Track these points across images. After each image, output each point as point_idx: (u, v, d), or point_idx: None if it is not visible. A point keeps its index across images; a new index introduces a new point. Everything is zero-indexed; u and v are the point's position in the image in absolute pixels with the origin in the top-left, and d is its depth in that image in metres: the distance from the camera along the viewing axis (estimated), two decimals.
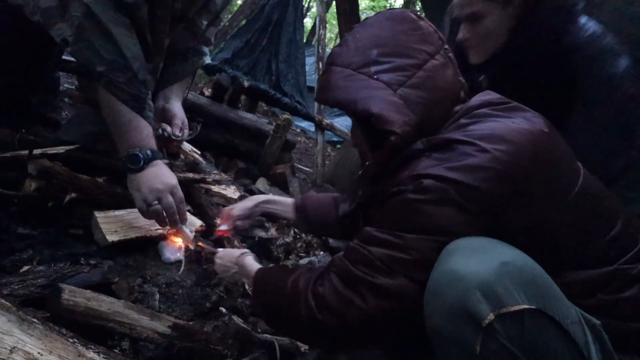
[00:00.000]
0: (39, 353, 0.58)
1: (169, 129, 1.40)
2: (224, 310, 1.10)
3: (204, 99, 2.29)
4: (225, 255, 1.06)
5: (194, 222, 1.38)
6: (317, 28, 3.78)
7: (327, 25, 4.42)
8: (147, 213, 1.10)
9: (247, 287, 1.14)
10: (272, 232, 1.86)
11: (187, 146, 1.55)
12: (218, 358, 0.85)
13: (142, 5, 1.16)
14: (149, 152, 1.10)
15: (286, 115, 2.28)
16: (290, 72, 3.81)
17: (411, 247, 0.70)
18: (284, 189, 2.28)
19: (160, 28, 1.34)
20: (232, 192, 1.85)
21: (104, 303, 0.72)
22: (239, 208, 1.22)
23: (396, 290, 0.70)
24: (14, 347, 0.57)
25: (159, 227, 1.23)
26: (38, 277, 0.76)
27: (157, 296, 1.05)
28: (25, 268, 0.91)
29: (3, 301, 0.59)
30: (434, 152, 0.75)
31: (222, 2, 1.65)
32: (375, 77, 0.79)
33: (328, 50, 3.82)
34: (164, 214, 1.10)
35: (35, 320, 0.60)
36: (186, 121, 1.49)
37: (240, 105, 2.38)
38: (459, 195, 0.68)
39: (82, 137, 1.36)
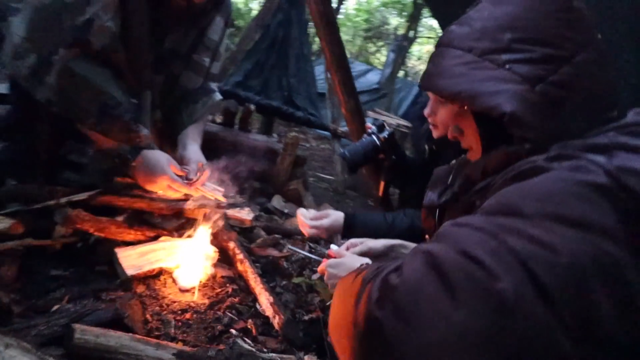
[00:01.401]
0: None
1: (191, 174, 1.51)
2: (234, 332, 1.19)
3: (215, 126, 2.42)
4: (342, 264, 1.02)
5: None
6: None
7: None
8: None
9: None
10: (288, 247, 1.95)
11: (209, 186, 1.65)
12: None
13: (117, 49, 1.27)
14: (130, 152, 1.34)
15: (294, 134, 2.37)
16: (302, 85, 3.91)
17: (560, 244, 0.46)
18: (299, 204, 2.37)
19: (142, 64, 1.44)
20: (246, 213, 1.96)
21: (112, 338, 0.83)
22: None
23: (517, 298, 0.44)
24: None
25: (174, 258, 1.38)
26: (61, 318, 0.89)
27: (173, 323, 1.16)
28: (56, 307, 1.05)
29: (25, 344, 0.71)
30: (584, 152, 0.55)
31: (219, 37, 1.76)
32: (507, 67, 0.64)
33: None
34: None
35: (51, 357, 0.71)
36: (204, 161, 1.58)
37: (250, 128, 2.50)
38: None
39: (99, 178, 1.52)
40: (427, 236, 0.98)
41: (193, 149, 1.60)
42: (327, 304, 1.46)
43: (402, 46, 6.05)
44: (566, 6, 0.65)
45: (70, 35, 1.17)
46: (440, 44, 0.74)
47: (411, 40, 8.22)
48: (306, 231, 1.50)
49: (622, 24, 1.57)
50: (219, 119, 2.51)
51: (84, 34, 1.17)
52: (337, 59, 1.68)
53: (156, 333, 1.10)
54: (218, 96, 1.78)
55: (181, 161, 1.56)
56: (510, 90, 0.62)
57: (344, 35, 20.66)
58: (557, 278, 0.43)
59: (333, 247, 1.20)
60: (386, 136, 1.50)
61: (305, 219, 1.48)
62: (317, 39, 3.94)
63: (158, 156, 1.39)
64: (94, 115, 1.22)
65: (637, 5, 1.53)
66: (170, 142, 1.73)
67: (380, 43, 18.73)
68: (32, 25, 1.19)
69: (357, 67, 8.56)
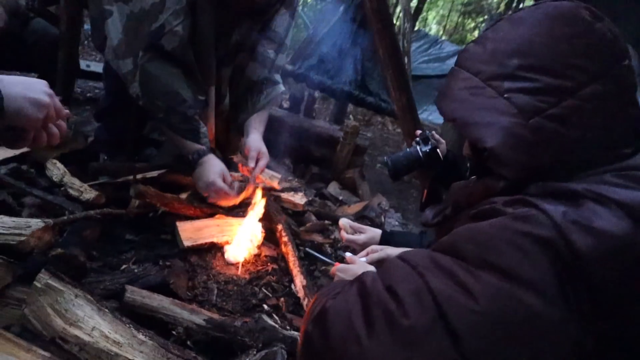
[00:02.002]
0: (108, 332, 0.88)
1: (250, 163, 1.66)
2: (265, 307, 1.33)
3: (281, 111, 2.56)
4: (349, 270, 1.05)
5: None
6: (401, 21, 3.75)
7: None
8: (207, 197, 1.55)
9: None
10: (336, 234, 2.04)
11: (267, 173, 1.80)
12: (244, 347, 1.07)
13: (187, 49, 1.43)
14: (194, 155, 1.50)
15: (354, 123, 2.41)
16: (377, 69, 3.85)
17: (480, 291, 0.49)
18: (354, 192, 2.43)
19: (207, 60, 1.57)
20: (299, 198, 2.09)
21: (155, 300, 1.00)
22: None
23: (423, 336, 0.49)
24: (94, 327, 0.88)
25: (225, 234, 1.56)
26: (122, 277, 1.10)
27: (215, 291, 1.34)
28: (124, 266, 1.28)
29: (89, 296, 0.91)
30: (551, 198, 0.55)
31: (285, 29, 1.84)
32: (505, 95, 0.62)
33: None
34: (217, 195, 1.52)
35: (107, 310, 0.91)
36: (264, 150, 1.68)
37: (314, 114, 2.59)
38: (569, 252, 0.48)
39: (171, 161, 1.75)
40: None
41: (254, 138, 1.71)
42: None
43: None
44: (586, 31, 0.60)
45: (147, 40, 1.36)
46: (456, 63, 0.74)
47: None
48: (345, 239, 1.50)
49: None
50: (285, 104, 2.64)
51: (158, 39, 1.35)
52: (390, 54, 1.66)
53: (200, 298, 1.29)
54: (281, 88, 1.88)
55: (243, 147, 1.72)
56: (500, 123, 0.61)
57: (440, 11, 19.44)
58: (468, 323, 0.46)
59: (348, 254, 1.25)
60: (427, 151, 1.48)
61: (345, 231, 1.50)
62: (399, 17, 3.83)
63: (212, 166, 1.54)
64: (163, 110, 1.41)
65: None
66: (236, 129, 1.89)
67: (480, 19, 17.27)
68: (126, 31, 1.41)
69: (445, 47, 8.09)
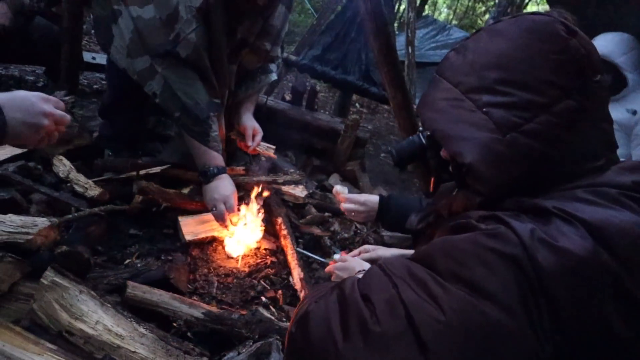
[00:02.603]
0: (111, 325, 0.94)
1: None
2: (264, 299, 1.39)
3: (283, 104, 2.58)
4: (346, 268, 1.10)
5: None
6: (406, 11, 3.72)
7: None
8: (212, 214, 1.54)
9: None
10: (336, 226, 2.09)
11: (262, 146, 1.93)
12: (241, 339, 1.12)
13: (201, 55, 1.47)
14: (214, 169, 1.52)
15: (354, 116, 2.42)
16: None
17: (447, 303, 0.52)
18: (355, 184, 2.46)
19: (221, 65, 1.63)
20: (299, 191, 2.12)
21: (155, 295, 1.06)
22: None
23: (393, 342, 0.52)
24: (97, 321, 0.93)
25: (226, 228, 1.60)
26: (125, 272, 1.15)
27: (215, 284, 1.39)
28: (128, 261, 1.34)
29: (92, 292, 0.96)
30: (523, 214, 0.58)
31: (281, 22, 1.86)
32: (484, 110, 0.63)
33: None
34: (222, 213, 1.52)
35: (109, 305, 0.96)
36: (257, 127, 1.84)
37: (317, 107, 2.61)
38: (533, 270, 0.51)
39: (177, 158, 1.80)
40: None
41: (247, 117, 1.86)
42: None
43: (505, 13, 5.42)
44: (561, 47, 0.60)
45: (164, 47, 1.41)
46: (437, 72, 0.73)
47: (518, 6, 7.28)
48: (343, 207, 1.51)
49: None
50: (288, 96, 2.66)
51: (173, 46, 1.40)
52: (385, 54, 1.67)
53: (200, 291, 1.34)
54: (274, 76, 1.93)
55: (238, 127, 1.86)
56: (478, 138, 0.62)
57: None
58: (435, 333, 0.49)
59: (336, 256, 1.29)
60: (429, 134, 1.49)
61: (343, 194, 1.51)
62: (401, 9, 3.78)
63: (229, 184, 1.58)
64: (178, 110, 1.46)
65: None
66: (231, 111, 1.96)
67: (491, 2, 16.87)
68: (139, 32, 1.44)
69: (454, 34, 7.94)
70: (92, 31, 5.08)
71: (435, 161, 1.68)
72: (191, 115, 1.46)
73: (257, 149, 1.90)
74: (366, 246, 1.29)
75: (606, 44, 1.92)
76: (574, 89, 0.60)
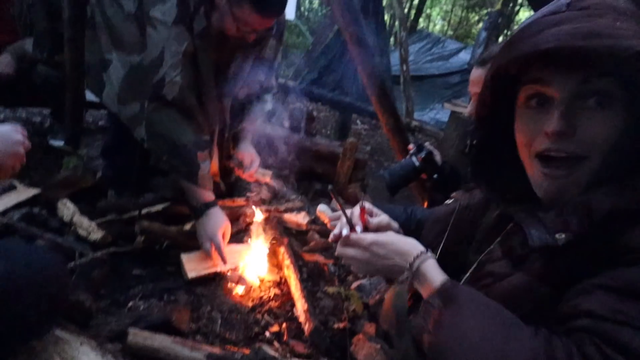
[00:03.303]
0: None
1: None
2: (268, 334, 1.38)
3: (282, 130, 2.62)
4: (387, 243, 0.84)
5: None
6: (398, 30, 3.78)
7: None
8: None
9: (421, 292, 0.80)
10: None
11: (259, 172, 2.00)
12: None
13: (187, 96, 1.50)
14: (202, 206, 1.54)
15: (352, 139, 2.45)
16: (377, 78, 3.88)
17: None
18: None
19: (211, 102, 1.67)
20: (302, 217, 2.13)
21: (156, 341, 1.06)
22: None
23: None
24: None
25: (229, 262, 1.61)
26: (127, 318, 1.16)
27: (219, 322, 1.39)
28: (131, 303, 1.35)
29: (93, 342, 0.97)
30: None
31: (273, 54, 1.91)
32: None
33: None
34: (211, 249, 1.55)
35: (110, 354, 0.97)
36: (254, 154, 1.93)
37: (315, 131, 2.64)
38: None
39: (173, 192, 1.83)
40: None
41: (245, 145, 1.96)
42: (358, 314, 1.57)
43: (496, 24, 5.49)
44: None
45: (150, 91, 1.45)
46: None
47: (508, 17, 7.35)
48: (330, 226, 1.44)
49: None
50: (286, 123, 2.70)
51: (159, 90, 1.44)
52: (373, 80, 1.70)
53: (204, 330, 1.34)
54: (269, 106, 1.97)
55: (236, 155, 1.94)
56: None
57: (444, 6, 19.29)
58: None
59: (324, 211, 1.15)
60: (423, 156, 1.50)
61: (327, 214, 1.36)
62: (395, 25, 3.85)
63: (218, 219, 1.58)
64: (167, 152, 1.49)
65: None
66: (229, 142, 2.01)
67: (484, 11, 17.09)
68: (128, 80, 1.50)
69: (448, 45, 8.04)
70: None
71: (430, 183, 1.68)
72: (179, 156, 1.49)
73: (254, 175, 1.97)
74: (369, 205, 1.02)
75: None
76: None
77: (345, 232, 0.87)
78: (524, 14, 13.84)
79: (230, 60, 1.76)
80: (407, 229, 1.16)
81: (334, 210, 1.35)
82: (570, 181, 0.68)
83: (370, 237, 0.85)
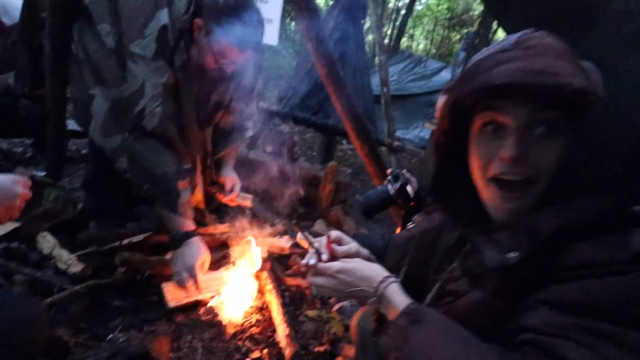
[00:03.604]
0: None
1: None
2: None
3: (265, 156, 2.66)
4: (353, 270, 0.87)
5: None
6: (377, 55, 3.90)
7: None
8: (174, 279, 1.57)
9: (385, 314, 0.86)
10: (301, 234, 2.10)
11: (240, 196, 2.04)
12: None
13: (167, 127, 1.54)
14: (182, 235, 1.56)
15: (332, 163, 2.50)
16: (359, 100, 3.98)
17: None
18: (339, 228, 2.50)
19: (192, 131, 1.71)
20: (284, 241, 2.16)
21: None
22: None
23: None
24: None
25: (210, 290, 1.63)
26: (104, 351, 1.17)
27: (200, 350, 1.40)
28: (110, 336, 1.35)
29: None
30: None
31: (253, 81, 1.96)
32: None
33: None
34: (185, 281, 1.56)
35: None
36: (235, 178, 1.98)
37: (297, 156, 2.69)
38: None
39: (155, 222, 1.85)
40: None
41: (226, 170, 2.01)
42: (340, 337, 1.59)
43: (474, 44, 5.69)
44: None
45: (130, 122, 1.49)
46: None
47: (484, 38, 7.64)
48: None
49: None
50: (269, 149, 2.75)
51: (139, 121, 1.48)
52: (348, 111, 1.77)
53: (184, 359, 1.35)
54: (249, 133, 2.02)
55: (218, 180, 1.99)
56: None
57: (426, 26, 19.88)
58: None
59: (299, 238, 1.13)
60: (397, 187, 1.55)
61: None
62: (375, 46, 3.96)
63: (197, 250, 1.60)
64: (148, 182, 1.53)
65: None
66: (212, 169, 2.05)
67: (465, 30, 17.67)
68: (110, 113, 1.55)
69: (430, 65, 8.28)
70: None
71: (405, 210, 1.73)
72: (159, 185, 1.52)
73: (235, 199, 2.02)
74: (338, 233, 1.06)
75: None
76: None
77: (312, 261, 0.91)
78: (501, 34, 14.33)
79: (211, 90, 1.81)
80: (384, 255, 1.20)
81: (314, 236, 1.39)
82: (523, 202, 0.73)
83: (336, 265, 0.89)
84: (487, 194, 0.78)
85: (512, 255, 0.69)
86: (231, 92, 1.91)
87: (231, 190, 1.97)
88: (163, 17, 1.45)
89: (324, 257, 0.92)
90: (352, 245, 1.05)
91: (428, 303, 0.90)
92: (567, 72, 0.65)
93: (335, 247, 1.00)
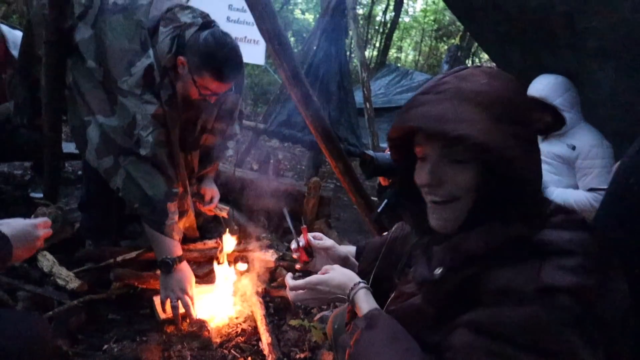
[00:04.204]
0: None
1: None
2: None
3: (252, 173, 2.81)
4: (329, 280, 1.03)
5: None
6: (359, 72, 4.09)
7: None
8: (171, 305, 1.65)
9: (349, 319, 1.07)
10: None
11: (218, 207, 2.19)
12: None
13: (158, 153, 1.69)
14: (174, 260, 1.67)
15: (315, 178, 2.65)
16: (343, 116, 4.15)
17: None
18: None
19: (179, 156, 1.86)
20: (270, 255, 2.29)
21: None
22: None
23: None
24: None
25: (198, 302, 1.75)
26: None
27: (189, 358, 1.53)
28: (106, 346, 1.48)
29: None
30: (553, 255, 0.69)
31: (234, 105, 2.11)
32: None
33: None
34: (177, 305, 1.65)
35: None
36: (215, 192, 2.14)
37: (282, 173, 2.83)
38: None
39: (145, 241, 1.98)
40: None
41: (206, 182, 2.16)
42: (320, 344, 1.72)
43: (456, 57, 5.92)
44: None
45: (126, 148, 1.65)
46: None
47: (467, 51, 7.89)
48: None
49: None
50: (255, 166, 2.89)
51: (136, 147, 1.64)
52: (323, 133, 1.93)
53: None
54: (230, 152, 2.18)
55: (199, 191, 2.12)
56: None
57: (414, 38, 20.27)
58: None
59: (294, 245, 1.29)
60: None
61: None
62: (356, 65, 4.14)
63: (186, 276, 1.71)
64: (139, 201, 1.66)
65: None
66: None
67: (452, 41, 18.06)
68: (104, 137, 1.69)
69: (416, 77, 8.51)
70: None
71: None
72: (149, 205, 1.65)
73: (213, 210, 2.17)
74: (318, 234, 1.32)
75: (543, 87, 2.20)
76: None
77: (293, 245, 1.17)
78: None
79: (197, 117, 1.96)
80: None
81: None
82: (449, 219, 0.86)
83: (314, 279, 1.04)
84: (428, 210, 0.92)
85: (437, 271, 0.80)
86: (214, 116, 2.05)
87: (210, 201, 2.13)
88: (149, 57, 1.60)
89: (301, 242, 1.13)
90: (327, 241, 1.23)
91: (389, 302, 1.02)
92: (459, 118, 0.76)
93: (310, 238, 1.16)
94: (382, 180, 1.63)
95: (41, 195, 2.49)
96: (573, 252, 0.68)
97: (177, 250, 1.69)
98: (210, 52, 1.59)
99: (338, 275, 1.05)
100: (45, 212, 1.27)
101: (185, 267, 1.70)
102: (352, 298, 0.98)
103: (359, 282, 1.01)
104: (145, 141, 1.65)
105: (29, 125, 2.10)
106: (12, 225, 1.04)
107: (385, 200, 1.13)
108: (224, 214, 2.22)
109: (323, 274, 1.07)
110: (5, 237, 1.00)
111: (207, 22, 1.69)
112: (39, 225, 1.11)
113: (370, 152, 1.61)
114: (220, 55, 1.61)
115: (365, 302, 0.96)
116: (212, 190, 2.15)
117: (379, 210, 1.18)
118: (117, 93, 1.63)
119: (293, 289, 1.06)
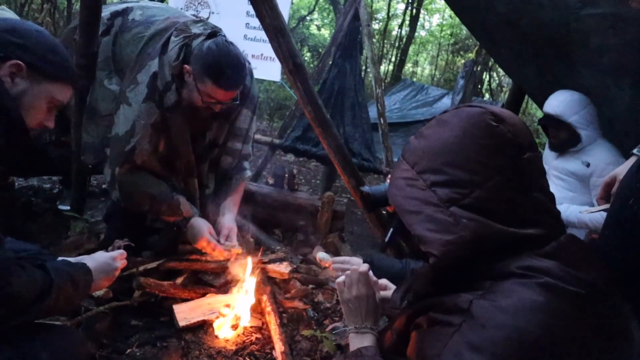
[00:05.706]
0: None
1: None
2: None
3: (267, 188, 2.90)
4: (361, 305, 1.13)
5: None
6: (373, 88, 4.18)
7: None
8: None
9: None
10: (319, 297, 2.29)
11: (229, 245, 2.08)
12: None
13: (153, 161, 1.80)
14: (184, 220, 1.86)
15: (329, 193, 2.72)
16: (357, 131, 4.23)
17: None
18: (337, 254, 2.68)
19: (186, 160, 1.96)
20: (284, 267, 2.35)
21: None
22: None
23: None
24: None
25: (215, 311, 1.83)
26: None
27: None
28: (128, 350, 1.56)
29: None
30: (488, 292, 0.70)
31: (248, 124, 2.19)
32: (432, 188, 0.76)
33: None
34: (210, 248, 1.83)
35: None
36: (234, 229, 2.07)
37: (297, 187, 2.92)
38: None
39: (167, 244, 2.08)
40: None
41: (228, 218, 2.07)
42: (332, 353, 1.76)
43: (472, 72, 5.96)
44: (489, 132, 0.75)
45: (123, 158, 1.77)
46: (402, 153, 0.88)
47: (483, 65, 7.90)
48: (333, 267, 1.68)
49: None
50: (270, 180, 2.98)
51: (131, 157, 1.75)
52: (335, 150, 2.01)
53: None
54: (248, 173, 2.25)
55: (217, 225, 2.07)
56: (426, 211, 0.75)
57: (430, 52, 20.35)
58: None
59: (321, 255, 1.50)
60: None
61: (326, 260, 1.75)
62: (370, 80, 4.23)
63: (200, 224, 1.90)
64: (148, 203, 1.78)
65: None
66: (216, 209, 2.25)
67: (470, 55, 18.05)
68: (110, 150, 1.81)
69: (432, 92, 8.55)
70: None
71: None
72: (159, 200, 1.77)
73: (223, 254, 2.01)
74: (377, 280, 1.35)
75: (558, 104, 2.20)
76: (502, 167, 0.73)
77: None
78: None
79: (205, 129, 2.05)
80: (402, 277, 1.43)
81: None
82: None
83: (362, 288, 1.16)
84: None
85: (405, 300, 0.90)
86: (225, 132, 2.12)
87: (226, 238, 2.01)
88: (154, 65, 1.72)
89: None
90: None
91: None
92: (404, 194, 0.83)
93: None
94: (388, 208, 1.70)
95: (69, 207, 2.64)
96: (480, 349, 0.66)
97: (189, 213, 1.87)
98: (211, 59, 1.66)
99: (370, 307, 1.14)
100: (120, 245, 1.45)
101: (196, 221, 1.87)
102: (360, 332, 1.10)
103: (372, 327, 1.11)
104: (143, 150, 1.75)
105: (57, 143, 2.25)
106: (95, 259, 1.21)
107: (391, 229, 1.20)
108: (235, 250, 2.07)
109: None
110: (89, 271, 1.15)
111: (213, 32, 1.77)
112: (117, 258, 1.28)
113: (366, 189, 1.68)
114: (221, 63, 1.66)
115: (362, 342, 1.06)
116: (229, 227, 2.04)
117: (386, 239, 1.27)
118: (122, 101, 1.75)
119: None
